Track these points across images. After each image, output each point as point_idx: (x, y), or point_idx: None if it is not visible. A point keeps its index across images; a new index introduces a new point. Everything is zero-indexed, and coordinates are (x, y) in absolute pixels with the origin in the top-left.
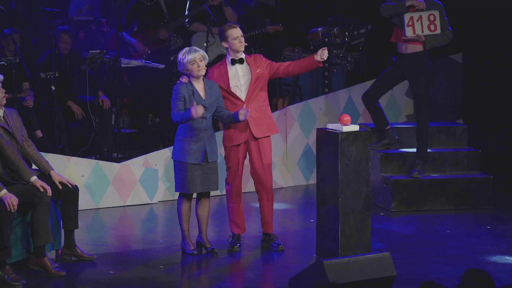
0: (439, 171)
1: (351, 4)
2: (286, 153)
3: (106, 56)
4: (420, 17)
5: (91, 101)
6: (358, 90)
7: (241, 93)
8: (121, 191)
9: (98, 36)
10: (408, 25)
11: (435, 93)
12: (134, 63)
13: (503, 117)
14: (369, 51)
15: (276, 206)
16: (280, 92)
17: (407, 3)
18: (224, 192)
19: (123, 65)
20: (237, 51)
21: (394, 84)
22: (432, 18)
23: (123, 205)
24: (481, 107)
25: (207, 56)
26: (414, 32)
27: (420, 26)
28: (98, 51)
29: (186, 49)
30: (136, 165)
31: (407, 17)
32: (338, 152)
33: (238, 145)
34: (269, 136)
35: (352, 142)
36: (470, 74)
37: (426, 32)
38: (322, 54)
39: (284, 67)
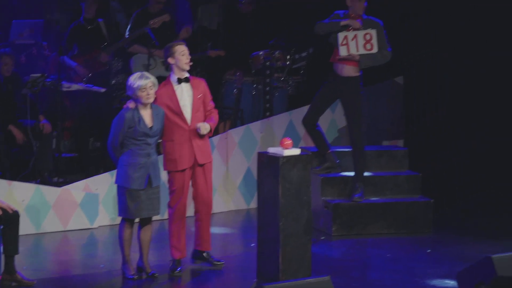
0: (380, 194)
1: (293, 27)
2: (227, 177)
3: (47, 79)
4: (356, 36)
5: (32, 125)
6: (299, 113)
7: (187, 114)
8: (61, 215)
9: (39, 59)
10: (342, 44)
11: (377, 116)
12: (75, 86)
13: (443, 141)
14: (310, 74)
15: (217, 230)
16: (221, 116)
17: (342, 23)
18: (165, 217)
19: (64, 89)
20: (183, 69)
21: (329, 104)
22: (368, 37)
23: (63, 229)
24: (422, 131)
25: (157, 83)
26: (348, 51)
27: (356, 45)
28: (39, 74)
29: (138, 74)
30: (77, 190)
31: (341, 36)
32: (279, 176)
33: (183, 170)
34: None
35: (293, 166)
36: (412, 98)
37: (362, 51)
38: (198, 130)
39: (208, 113)
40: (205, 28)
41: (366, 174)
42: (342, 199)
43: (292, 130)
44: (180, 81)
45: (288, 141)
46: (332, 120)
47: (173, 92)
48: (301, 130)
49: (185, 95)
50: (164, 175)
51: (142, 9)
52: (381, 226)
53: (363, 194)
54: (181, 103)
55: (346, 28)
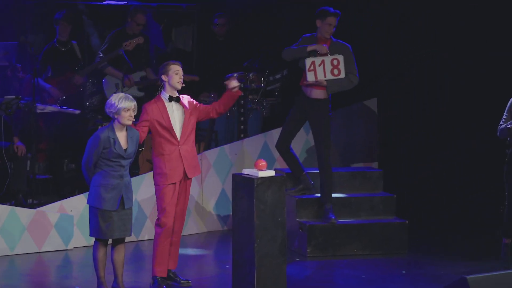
0: (355, 216)
1: (267, 49)
2: (201, 198)
3: (22, 101)
4: (323, 61)
5: (6, 147)
6: (274, 135)
7: (177, 131)
8: (36, 237)
9: (14, 81)
10: (309, 70)
11: (352, 137)
12: (49, 108)
13: (417, 162)
14: (284, 96)
15: (192, 251)
16: (196, 138)
17: (309, 48)
18: (140, 238)
19: (38, 111)
20: (175, 88)
21: (300, 126)
22: (335, 62)
23: (38, 251)
24: (396, 152)
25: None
26: (315, 77)
27: (323, 70)
28: (14, 96)
29: (122, 94)
30: (52, 211)
31: (308, 62)
32: (254, 197)
33: (174, 183)
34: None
35: (267, 187)
36: (385, 119)
37: (329, 76)
38: (230, 84)
39: (213, 108)
40: (179, 50)
41: (341, 195)
42: (317, 220)
43: (267, 151)
44: (171, 99)
45: (263, 163)
46: (306, 141)
47: (165, 109)
48: (276, 152)
49: (176, 113)
50: (146, 194)
51: (119, 29)
52: (356, 247)
53: (335, 215)
54: (172, 120)
55: (314, 53)
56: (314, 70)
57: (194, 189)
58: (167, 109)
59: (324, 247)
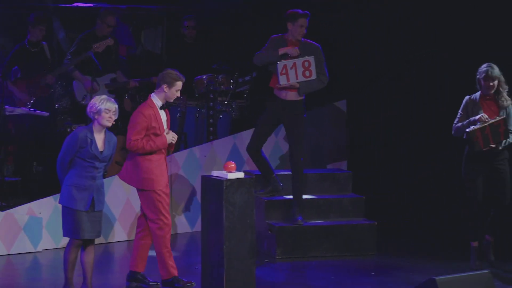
0: (324, 217)
1: (237, 51)
2: (171, 200)
3: None
4: (294, 64)
5: None
6: (243, 137)
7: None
8: (5, 239)
9: None
10: (281, 74)
11: (321, 139)
12: (18, 111)
13: (385, 164)
14: (254, 98)
15: None
16: None
17: (280, 52)
18: (109, 240)
19: (7, 113)
20: (168, 100)
21: (273, 129)
22: (307, 64)
23: (7, 253)
24: (365, 154)
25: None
26: (288, 80)
27: (295, 73)
28: None
29: (104, 96)
30: (20, 213)
31: (280, 65)
32: (223, 199)
33: (166, 186)
34: None
35: (236, 189)
36: (354, 121)
37: (301, 78)
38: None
39: None
40: (149, 52)
41: (310, 197)
42: (286, 222)
43: (236, 153)
44: (162, 107)
45: (232, 165)
46: (276, 144)
47: (159, 116)
48: (245, 154)
49: (163, 120)
50: (115, 197)
51: (88, 31)
52: (325, 249)
53: (303, 217)
54: (164, 128)
55: (285, 56)
56: (286, 73)
57: None
58: (161, 115)
59: (293, 249)
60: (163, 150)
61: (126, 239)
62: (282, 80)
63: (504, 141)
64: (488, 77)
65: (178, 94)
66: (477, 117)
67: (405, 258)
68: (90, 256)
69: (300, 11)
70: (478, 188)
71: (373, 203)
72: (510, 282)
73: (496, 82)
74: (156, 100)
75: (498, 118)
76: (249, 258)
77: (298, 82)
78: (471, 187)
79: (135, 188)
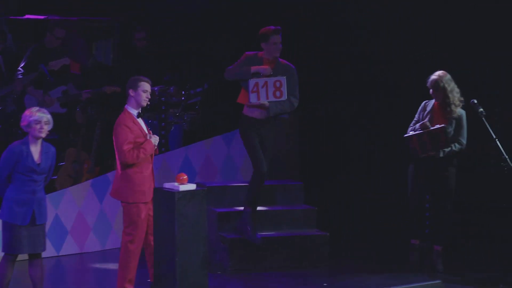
0: (276, 229)
1: (188, 63)
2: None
3: None
4: (266, 83)
5: None
6: (195, 149)
7: None
8: None
9: None
10: (252, 91)
11: (273, 150)
12: None
13: (337, 175)
14: (205, 110)
15: (113, 266)
16: None
17: (252, 70)
18: (61, 253)
19: None
20: (140, 105)
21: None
22: (278, 84)
23: None
24: (317, 165)
25: (52, 123)
26: (258, 98)
27: (266, 92)
28: None
29: (36, 108)
30: None
31: (251, 83)
32: (175, 211)
33: (147, 202)
34: None
35: (188, 201)
36: (307, 133)
37: (272, 98)
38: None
39: None
40: (100, 63)
41: (262, 208)
42: (238, 234)
43: (188, 165)
44: (139, 115)
45: (184, 176)
46: (228, 155)
47: (139, 124)
48: (197, 165)
49: (143, 126)
50: (66, 209)
51: (36, 45)
52: (278, 260)
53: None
54: (146, 132)
55: (257, 74)
56: (257, 92)
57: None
58: (140, 124)
59: (246, 260)
60: (151, 160)
61: (78, 252)
62: (253, 98)
63: (446, 149)
64: (429, 84)
65: (148, 95)
66: (419, 124)
67: (358, 268)
68: (37, 270)
69: (271, 28)
70: (420, 189)
71: (325, 214)
72: None
73: (438, 92)
74: (131, 109)
75: (437, 127)
76: (202, 270)
77: (268, 102)
78: (413, 187)
79: (86, 201)
